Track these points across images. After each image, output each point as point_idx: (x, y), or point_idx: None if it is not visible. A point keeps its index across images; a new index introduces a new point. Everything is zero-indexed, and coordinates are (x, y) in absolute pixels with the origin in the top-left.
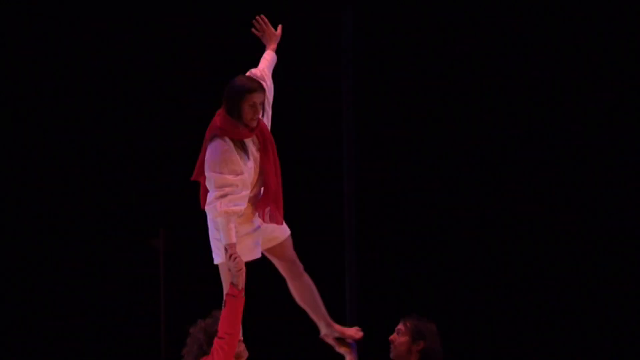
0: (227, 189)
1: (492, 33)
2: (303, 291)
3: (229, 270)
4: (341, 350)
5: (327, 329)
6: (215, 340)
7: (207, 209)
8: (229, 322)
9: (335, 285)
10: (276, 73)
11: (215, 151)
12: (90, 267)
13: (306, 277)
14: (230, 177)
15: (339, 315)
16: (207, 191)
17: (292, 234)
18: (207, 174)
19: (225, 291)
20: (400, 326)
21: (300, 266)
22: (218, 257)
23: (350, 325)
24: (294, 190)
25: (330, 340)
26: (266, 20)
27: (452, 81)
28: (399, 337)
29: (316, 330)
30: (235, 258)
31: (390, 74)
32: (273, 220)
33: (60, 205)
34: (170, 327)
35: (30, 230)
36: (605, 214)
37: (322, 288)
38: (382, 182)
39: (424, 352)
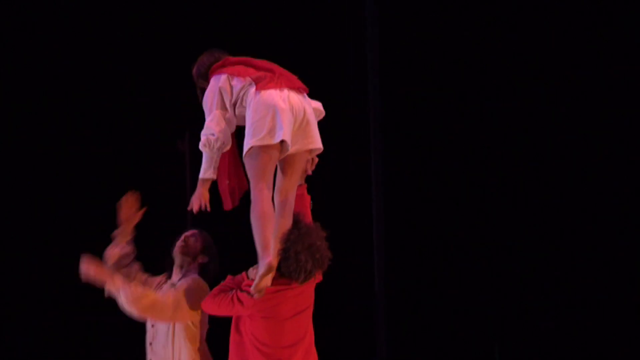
0: None
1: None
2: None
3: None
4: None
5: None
6: None
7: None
8: None
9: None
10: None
11: None
12: (117, 170)
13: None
14: None
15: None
16: None
17: None
18: None
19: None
20: (195, 233)
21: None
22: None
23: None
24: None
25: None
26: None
27: (478, 80)
28: (194, 241)
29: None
30: None
31: (417, 75)
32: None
33: (85, 106)
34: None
35: (52, 130)
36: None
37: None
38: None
39: (203, 266)
